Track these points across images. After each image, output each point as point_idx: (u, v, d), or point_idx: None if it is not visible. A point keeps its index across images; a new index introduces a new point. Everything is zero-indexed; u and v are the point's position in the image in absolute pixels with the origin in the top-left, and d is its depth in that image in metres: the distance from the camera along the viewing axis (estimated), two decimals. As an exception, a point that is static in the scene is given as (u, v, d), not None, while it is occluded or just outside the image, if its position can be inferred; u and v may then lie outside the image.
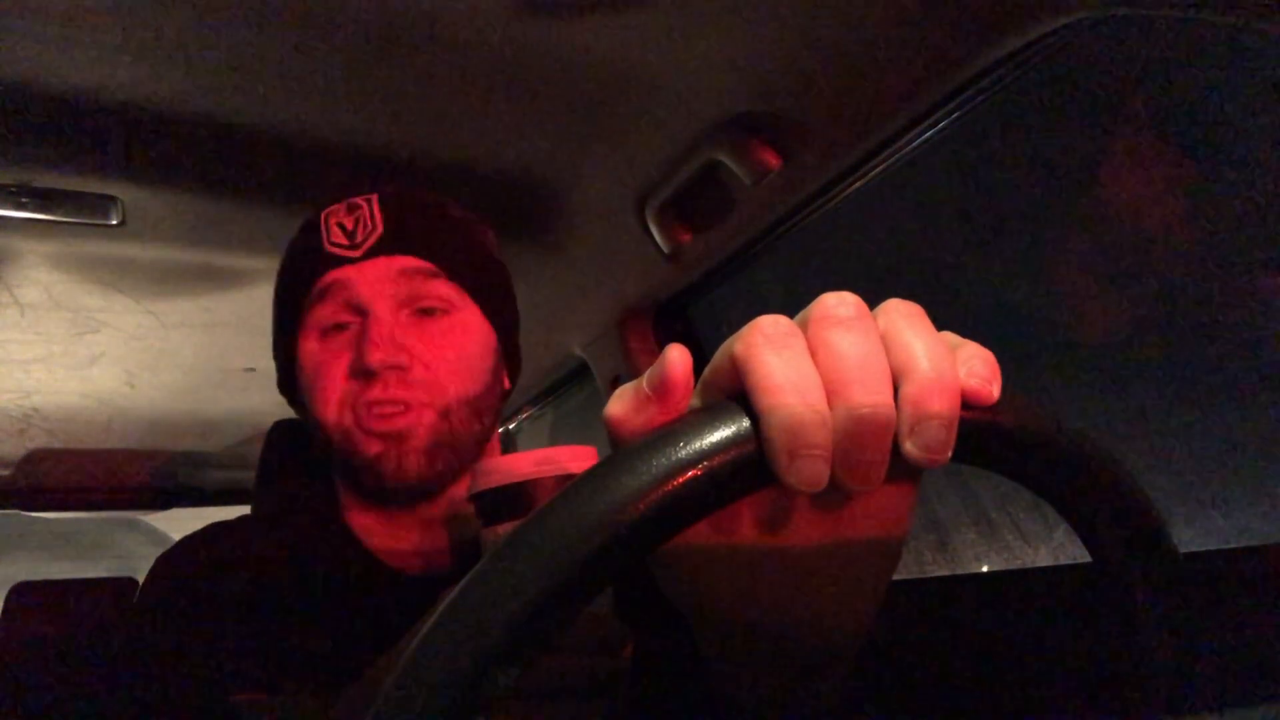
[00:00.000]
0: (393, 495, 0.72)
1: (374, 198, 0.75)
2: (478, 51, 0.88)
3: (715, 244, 1.18)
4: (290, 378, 0.78)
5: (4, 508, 2.05)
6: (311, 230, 0.75)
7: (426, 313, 0.73)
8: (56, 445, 2.00)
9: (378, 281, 0.71)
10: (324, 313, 0.72)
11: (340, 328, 0.72)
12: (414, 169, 1.09)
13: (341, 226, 0.73)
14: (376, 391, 0.69)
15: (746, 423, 0.29)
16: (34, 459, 2.02)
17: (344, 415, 0.70)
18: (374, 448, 0.70)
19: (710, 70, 0.91)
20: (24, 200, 1.07)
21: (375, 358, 0.68)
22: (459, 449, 0.72)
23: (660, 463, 0.28)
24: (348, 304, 0.72)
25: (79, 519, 2.19)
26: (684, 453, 0.28)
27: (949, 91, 0.84)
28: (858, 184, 1.02)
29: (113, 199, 1.09)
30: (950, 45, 0.79)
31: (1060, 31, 0.73)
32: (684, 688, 0.55)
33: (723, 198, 1.10)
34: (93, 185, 1.07)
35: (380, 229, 0.73)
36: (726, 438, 0.29)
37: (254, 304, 1.43)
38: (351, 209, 0.74)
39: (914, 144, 0.94)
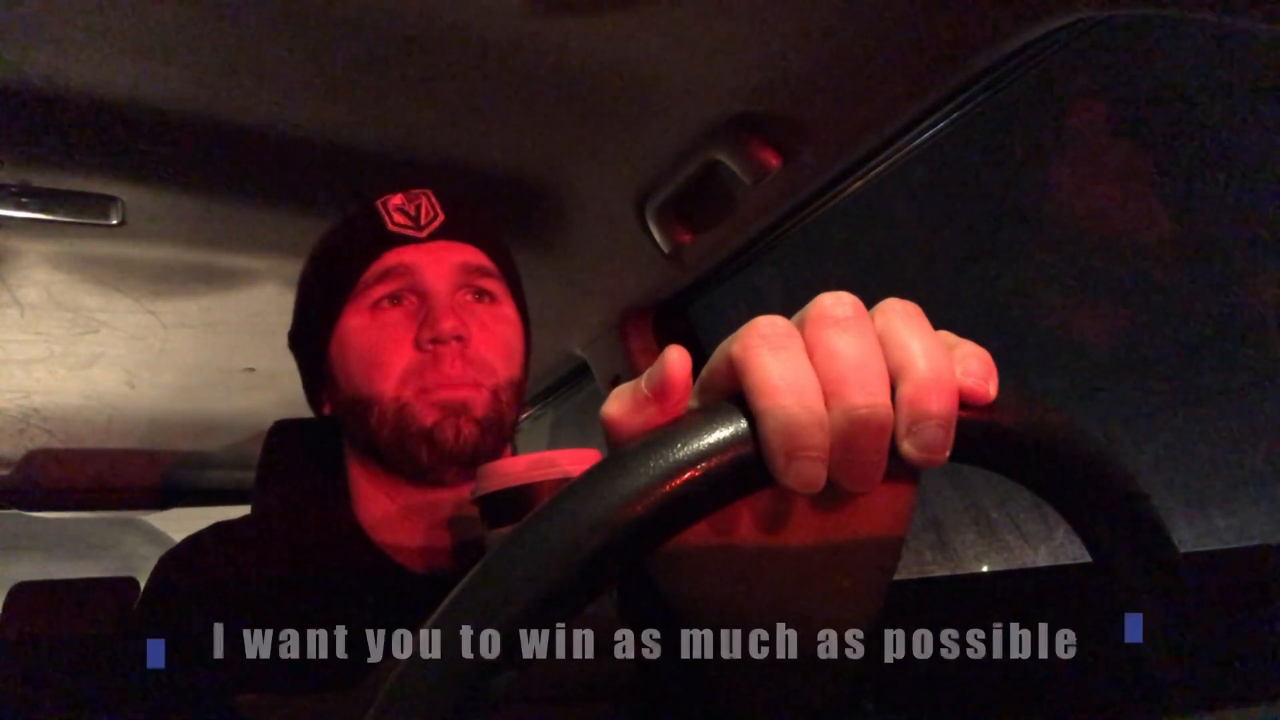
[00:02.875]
0: (444, 465, 0.73)
1: (428, 191, 0.79)
2: (478, 51, 0.88)
3: (715, 244, 1.18)
4: (320, 361, 0.79)
5: (4, 508, 2.04)
6: (368, 214, 0.78)
7: (479, 297, 0.77)
8: (56, 445, 1.99)
9: (440, 262, 0.75)
10: (382, 289, 0.75)
11: (395, 301, 0.75)
12: (414, 169, 1.09)
13: (402, 210, 0.77)
14: (444, 365, 0.72)
15: (744, 424, 0.29)
16: (34, 459, 2.01)
17: (405, 388, 0.72)
18: (431, 417, 0.72)
19: (710, 70, 0.91)
20: (24, 200, 1.06)
21: (447, 324, 0.71)
22: (503, 430, 0.76)
23: (658, 464, 0.28)
24: (408, 282, 0.75)
25: (79, 519, 2.18)
26: (681, 454, 0.28)
27: (949, 91, 0.84)
28: (857, 184, 1.02)
29: (113, 199, 1.09)
30: (950, 45, 0.78)
31: (1060, 31, 0.73)
32: (684, 689, 0.55)
33: (723, 198, 1.10)
34: (93, 185, 1.07)
35: (443, 216, 0.77)
36: (724, 439, 0.29)
37: (254, 304, 1.43)
38: (410, 198, 0.78)
39: (914, 144, 0.93)
